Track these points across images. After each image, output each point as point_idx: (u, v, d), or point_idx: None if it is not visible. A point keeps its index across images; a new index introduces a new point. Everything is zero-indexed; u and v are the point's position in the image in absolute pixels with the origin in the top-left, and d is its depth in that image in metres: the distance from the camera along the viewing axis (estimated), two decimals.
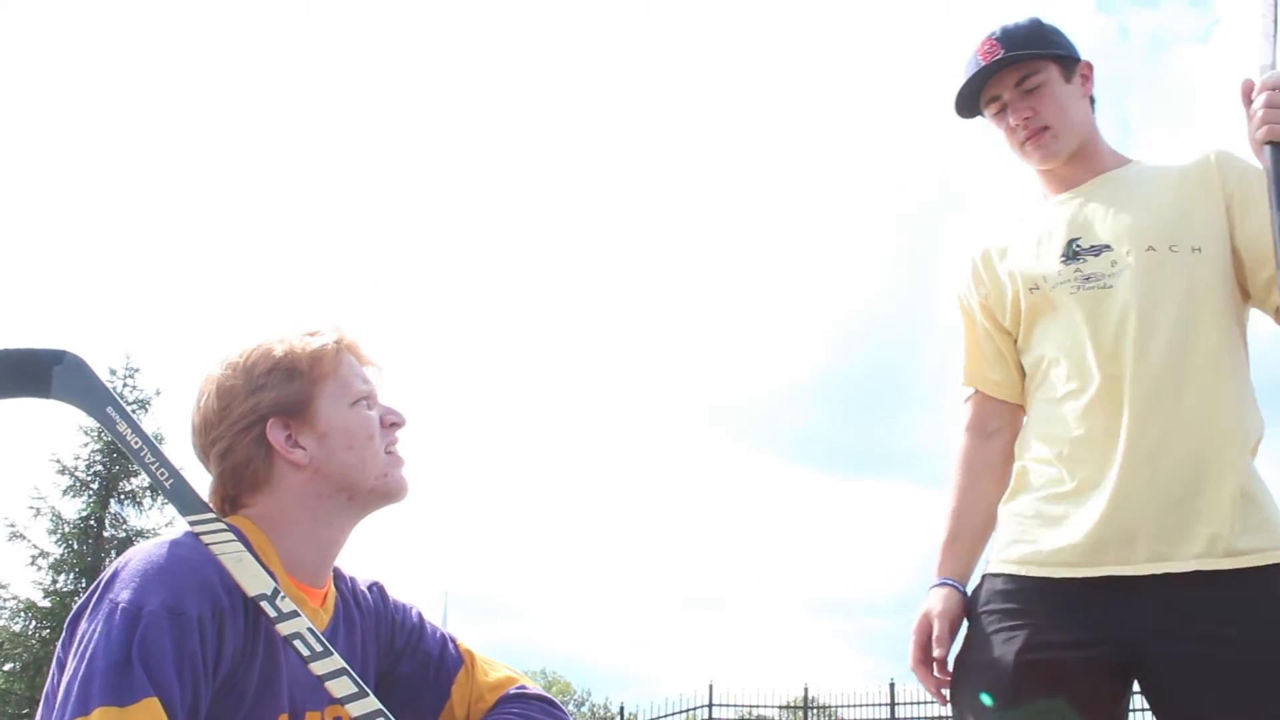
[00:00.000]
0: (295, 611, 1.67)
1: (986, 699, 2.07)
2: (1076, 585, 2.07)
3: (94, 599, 1.59)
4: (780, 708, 19.32)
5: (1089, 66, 2.38)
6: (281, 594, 1.66)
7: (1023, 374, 2.37)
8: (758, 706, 19.24)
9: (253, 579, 1.66)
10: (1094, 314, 2.17)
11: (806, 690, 19.05)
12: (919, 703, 17.15)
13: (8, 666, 20.41)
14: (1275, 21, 2.04)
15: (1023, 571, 2.14)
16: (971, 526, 2.33)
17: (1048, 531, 2.13)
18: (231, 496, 1.79)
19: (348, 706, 1.67)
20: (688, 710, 18.99)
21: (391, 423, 1.86)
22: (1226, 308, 2.16)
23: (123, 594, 1.55)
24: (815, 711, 19.41)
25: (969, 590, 2.28)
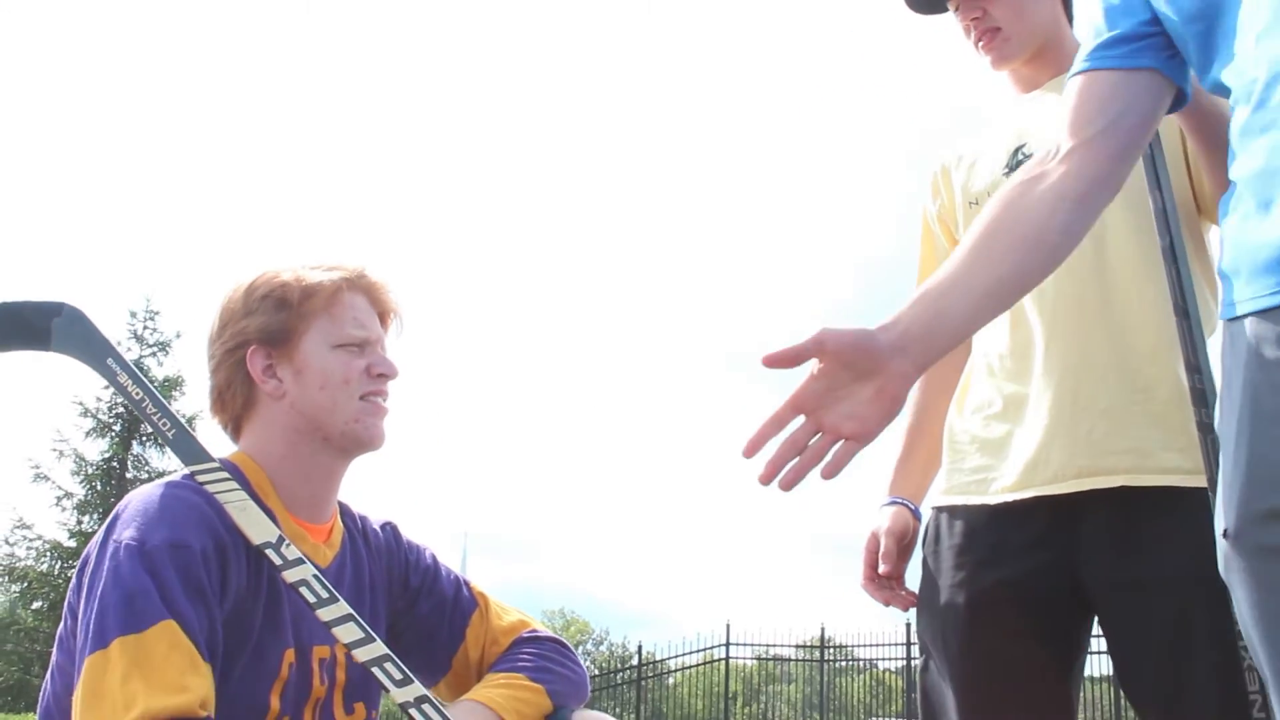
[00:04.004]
0: (300, 559, 1.68)
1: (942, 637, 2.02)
2: (1013, 509, 1.97)
3: (100, 541, 1.61)
4: (797, 647, 19.47)
5: None
6: (286, 541, 1.68)
7: None
8: (774, 645, 19.39)
9: (257, 527, 1.67)
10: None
11: (823, 630, 19.18)
12: None
13: (35, 605, 20.73)
14: None
15: (960, 501, 2.05)
16: (924, 445, 2.24)
17: (981, 457, 2.04)
18: (232, 419, 1.82)
19: (355, 651, 1.68)
20: (705, 649, 19.16)
21: (379, 373, 1.84)
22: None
23: (125, 533, 1.58)
24: (832, 651, 19.54)
25: (921, 512, 2.21)
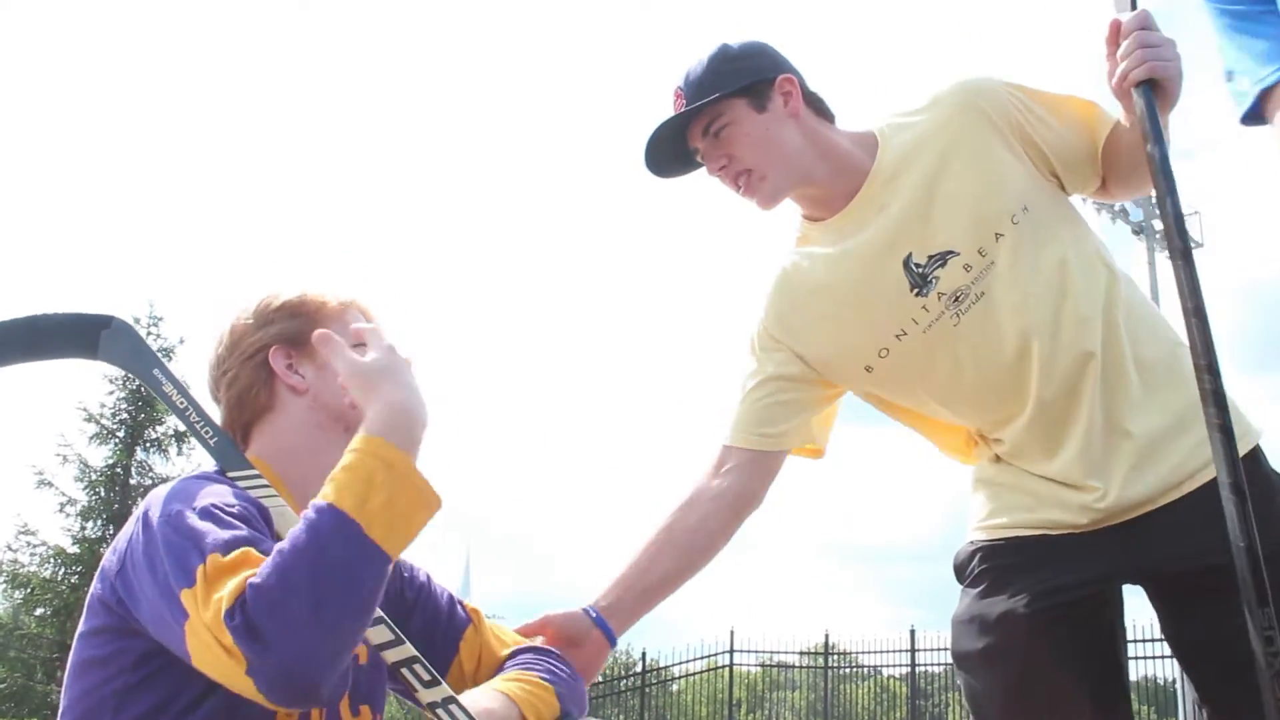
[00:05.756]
0: None
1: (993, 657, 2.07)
2: (1064, 541, 2.06)
3: (139, 530, 1.60)
4: (801, 654, 19.48)
5: (789, 80, 2.14)
6: None
7: (822, 416, 2.28)
8: (778, 652, 19.40)
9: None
10: (985, 333, 2.07)
11: (827, 637, 19.18)
12: (939, 649, 17.25)
13: (38, 611, 20.68)
14: None
15: (1006, 535, 2.11)
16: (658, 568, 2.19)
17: (1030, 500, 2.10)
18: (243, 425, 1.86)
19: (384, 653, 1.71)
20: (709, 656, 19.16)
21: None
22: (1083, 244, 2.11)
23: (172, 505, 1.57)
24: (836, 657, 19.54)
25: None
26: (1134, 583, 2.08)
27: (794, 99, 2.14)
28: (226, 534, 1.50)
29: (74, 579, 20.20)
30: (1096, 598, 2.04)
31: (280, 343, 1.85)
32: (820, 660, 19.45)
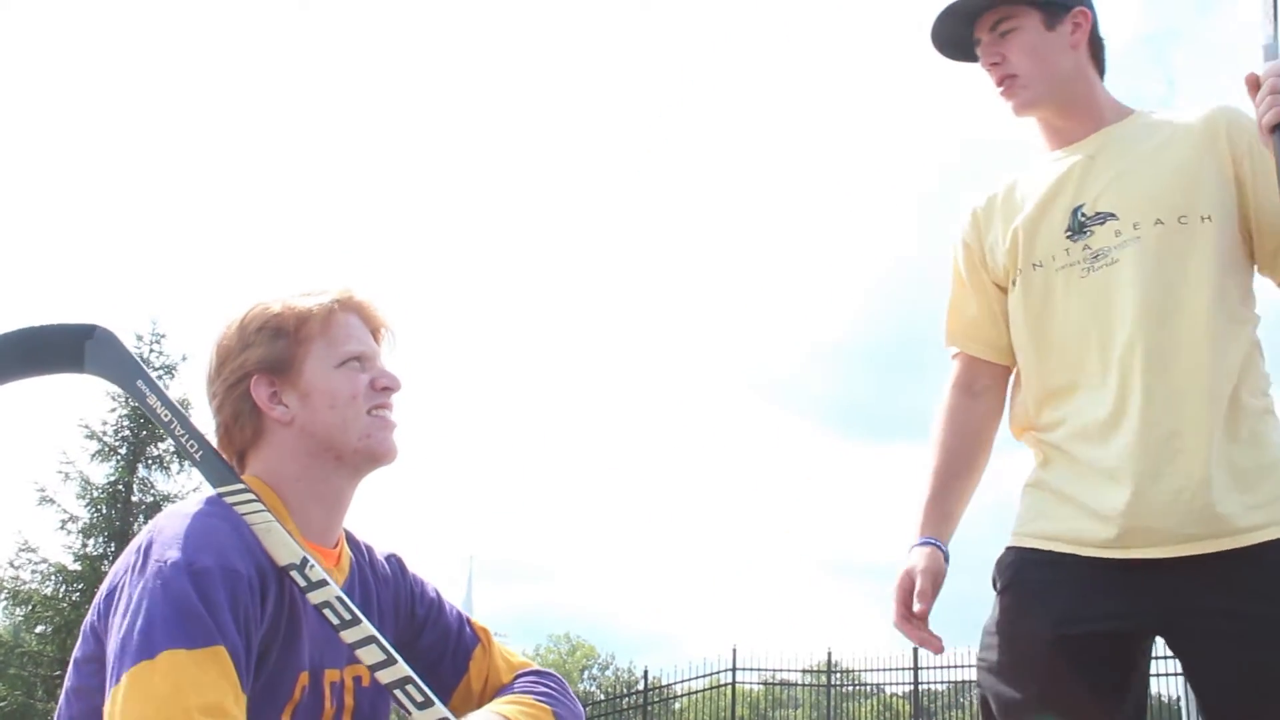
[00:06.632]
0: (325, 580, 1.68)
1: (1018, 671, 2.10)
2: (1107, 563, 2.07)
3: (135, 563, 1.59)
4: (803, 671, 19.41)
5: (1084, 14, 2.29)
6: (311, 563, 1.68)
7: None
8: (781, 670, 19.32)
9: (282, 548, 1.68)
10: (1101, 296, 2.15)
11: (830, 654, 19.13)
12: (943, 667, 17.19)
13: (39, 629, 20.63)
14: (1275, 2, 2.02)
15: (1048, 546, 2.15)
16: (955, 487, 2.31)
17: (1072, 509, 2.13)
18: (237, 453, 1.82)
19: (377, 674, 1.69)
20: (711, 673, 19.09)
21: (383, 386, 1.86)
22: (1232, 278, 2.13)
23: (170, 553, 1.56)
24: (838, 675, 19.48)
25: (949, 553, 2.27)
26: (1159, 630, 2.08)
27: (1080, 33, 2.29)
28: (208, 626, 1.50)
29: (75, 596, 20.15)
30: (1122, 634, 2.06)
31: (262, 370, 1.79)
32: (823, 678, 19.39)
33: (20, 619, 20.91)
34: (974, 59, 2.35)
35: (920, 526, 2.27)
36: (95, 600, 1.65)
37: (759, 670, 19.15)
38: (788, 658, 19.23)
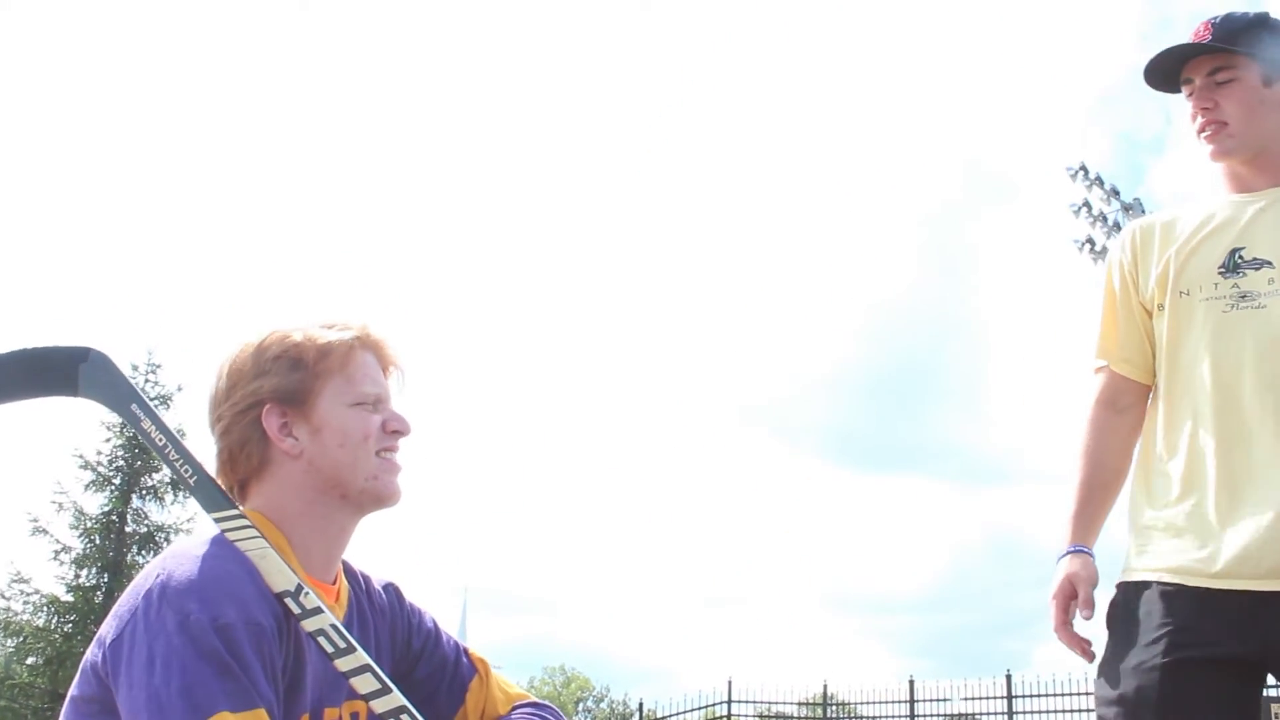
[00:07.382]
0: (319, 608, 1.67)
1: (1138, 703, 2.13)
2: (1216, 595, 2.11)
3: (149, 610, 1.55)
4: (799, 704, 19.32)
5: None
6: (306, 590, 1.66)
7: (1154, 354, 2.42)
8: (777, 703, 19.24)
9: (278, 575, 1.66)
10: (1239, 333, 2.21)
11: (826, 687, 19.05)
12: (938, 700, 17.15)
13: (30, 660, 20.54)
14: None
15: (1157, 578, 2.20)
16: (1100, 498, 2.40)
17: (1183, 541, 2.18)
18: (239, 481, 1.80)
19: (372, 703, 1.67)
20: (707, 706, 19.01)
21: (394, 430, 1.84)
22: None
23: (189, 604, 1.54)
24: (834, 708, 19.39)
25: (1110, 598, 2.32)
26: (1266, 662, 2.13)
27: None
28: (245, 687, 1.49)
29: (67, 628, 20.07)
30: (1235, 659, 2.10)
31: (275, 400, 1.77)
32: (819, 711, 19.33)
33: (11, 650, 20.82)
34: (1177, 90, 2.41)
35: (1070, 534, 2.37)
36: (98, 638, 1.61)
37: (755, 703, 19.06)
38: (783, 690, 19.16)
